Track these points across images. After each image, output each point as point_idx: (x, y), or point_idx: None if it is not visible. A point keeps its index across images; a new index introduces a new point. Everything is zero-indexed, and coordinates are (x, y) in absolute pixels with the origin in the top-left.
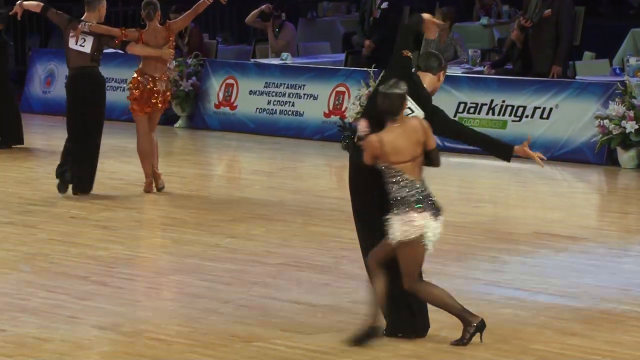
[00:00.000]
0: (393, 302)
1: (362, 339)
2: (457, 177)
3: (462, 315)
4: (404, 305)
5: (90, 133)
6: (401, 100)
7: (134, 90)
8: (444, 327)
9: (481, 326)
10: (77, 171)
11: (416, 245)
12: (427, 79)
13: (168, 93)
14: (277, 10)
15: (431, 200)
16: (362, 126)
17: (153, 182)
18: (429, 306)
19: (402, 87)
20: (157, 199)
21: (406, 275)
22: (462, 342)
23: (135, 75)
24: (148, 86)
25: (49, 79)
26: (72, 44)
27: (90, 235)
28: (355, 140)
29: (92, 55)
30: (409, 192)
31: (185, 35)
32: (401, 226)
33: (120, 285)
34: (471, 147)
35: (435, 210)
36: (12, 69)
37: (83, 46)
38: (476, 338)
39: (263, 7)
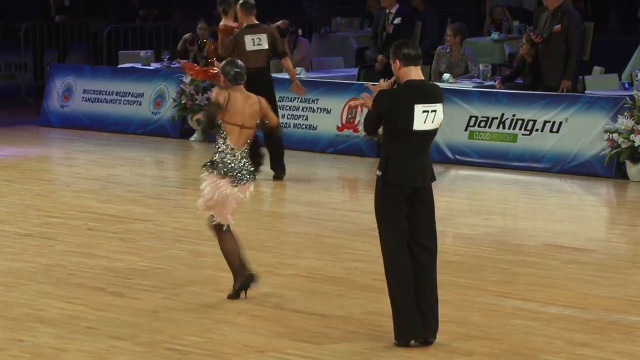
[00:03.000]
0: (405, 307)
1: (237, 293)
2: (467, 189)
3: (236, 272)
4: (415, 309)
5: None
6: (243, 70)
7: None
8: (456, 338)
9: (244, 284)
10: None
11: (221, 206)
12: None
13: None
14: (293, 26)
15: (244, 171)
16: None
17: None
18: (441, 316)
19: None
20: (173, 211)
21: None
22: (231, 296)
23: None
24: None
25: (66, 93)
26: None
27: (107, 247)
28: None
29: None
30: (227, 159)
31: (204, 49)
32: (211, 188)
33: (136, 296)
34: (482, 160)
35: (244, 179)
36: (30, 83)
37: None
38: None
39: (279, 23)
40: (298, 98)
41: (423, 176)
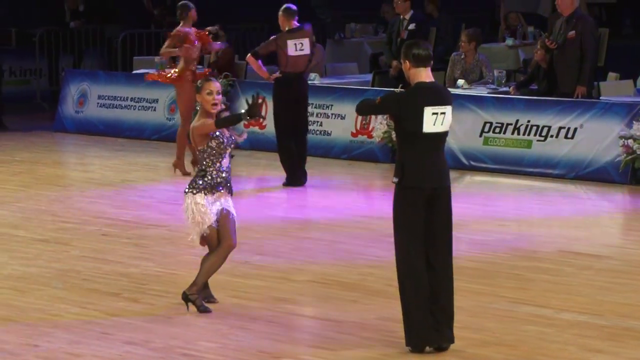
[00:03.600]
0: (419, 313)
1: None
2: (482, 195)
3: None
4: (428, 315)
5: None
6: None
7: None
8: (471, 344)
9: (184, 298)
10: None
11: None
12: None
13: None
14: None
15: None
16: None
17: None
18: (455, 322)
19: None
20: None
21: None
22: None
23: None
24: None
25: (81, 99)
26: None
27: (121, 252)
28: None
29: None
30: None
31: (218, 53)
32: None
33: (151, 301)
34: (496, 166)
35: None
36: (45, 89)
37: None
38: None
39: (211, 28)
40: (313, 104)
41: (439, 177)
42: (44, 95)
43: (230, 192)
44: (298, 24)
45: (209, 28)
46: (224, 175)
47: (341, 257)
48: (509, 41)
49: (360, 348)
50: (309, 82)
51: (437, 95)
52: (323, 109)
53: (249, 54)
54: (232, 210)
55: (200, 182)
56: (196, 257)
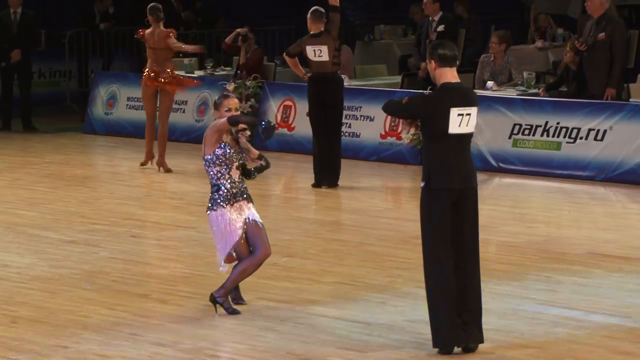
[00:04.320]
0: (447, 314)
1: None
2: (510, 197)
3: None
4: (455, 316)
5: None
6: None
7: None
8: (500, 347)
9: (212, 300)
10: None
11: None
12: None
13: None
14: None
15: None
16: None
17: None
18: (484, 324)
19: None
20: None
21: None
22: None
23: None
24: None
25: (110, 101)
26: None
27: (150, 254)
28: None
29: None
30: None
31: (247, 55)
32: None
33: (179, 303)
34: (526, 168)
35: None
36: (75, 90)
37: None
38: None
39: (240, 30)
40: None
41: (466, 178)
42: (74, 97)
43: (250, 200)
44: (323, 29)
45: (238, 30)
46: (238, 184)
47: (370, 258)
48: (539, 43)
49: (389, 350)
50: None
51: (463, 96)
52: (352, 110)
53: (284, 53)
54: (258, 218)
55: (217, 197)
56: None
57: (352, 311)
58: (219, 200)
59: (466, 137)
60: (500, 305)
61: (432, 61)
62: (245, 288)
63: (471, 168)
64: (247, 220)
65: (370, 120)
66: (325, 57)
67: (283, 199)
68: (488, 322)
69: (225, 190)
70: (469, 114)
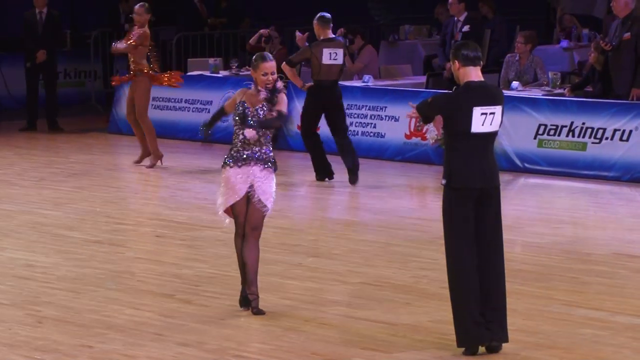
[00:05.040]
0: (470, 313)
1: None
2: (536, 198)
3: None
4: (478, 315)
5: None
6: None
7: None
8: (525, 347)
9: (243, 302)
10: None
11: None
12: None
13: None
14: (348, 34)
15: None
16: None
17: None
18: (510, 325)
19: None
20: None
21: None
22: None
23: None
24: None
25: None
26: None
27: (175, 254)
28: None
29: None
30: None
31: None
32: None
33: (204, 303)
34: (551, 169)
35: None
36: (100, 91)
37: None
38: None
39: (262, 30)
40: (366, 106)
41: (488, 177)
42: (99, 97)
43: (267, 166)
44: (333, 35)
45: (261, 31)
46: (251, 147)
47: (395, 259)
48: (564, 43)
49: (414, 351)
50: (363, 83)
51: (487, 95)
52: (377, 110)
53: (284, 62)
54: (267, 201)
55: (227, 156)
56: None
57: (377, 312)
58: (228, 160)
59: (490, 136)
60: (526, 306)
61: (456, 61)
62: (270, 288)
63: (494, 166)
64: (253, 192)
65: (395, 121)
66: (340, 60)
67: (308, 199)
68: (513, 322)
69: (235, 151)
70: (493, 113)
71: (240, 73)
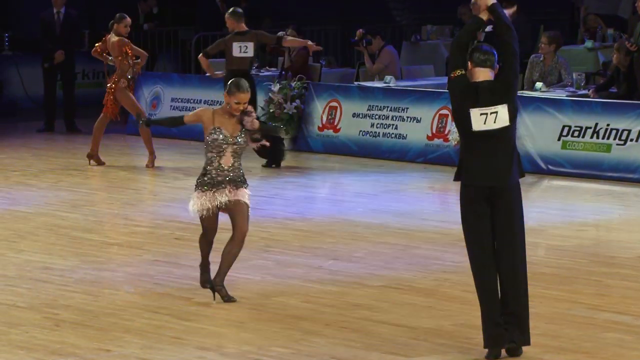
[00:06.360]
0: (488, 317)
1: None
2: (560, 200)
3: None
4: (497, 315)
5: None
6: None
7: None
8: (548, 351)
9: (211, 288)
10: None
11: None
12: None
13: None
14: (367, 35)
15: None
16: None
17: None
18: (533, 328)
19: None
20: (260, 220)
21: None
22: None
23: None
24: None
25: (154, 101)
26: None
27: (194, 256)
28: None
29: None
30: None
31: (291, 56)
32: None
33: (223, 306)
34: (575, 171)
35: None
36: None
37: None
38: None
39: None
40: (388, 107)
41: (496, 176)
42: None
43: (239, 186)
44: (246, 28)
45: (279, 33)
46: (225, 173)
47: (416, 262)
48: (589, 43)
49: (435, 355)
50: (384, 84)
51: (486, 96)
52: (398, 112)
53: (200, 54)
54: (244, 198)
55: (200, 181)
56: (268, 261)
57: (398, 315)
58: (200, 184)
59: (497, 134)
60: (549, 310)
61: (470, 62)
62: (290, 291)
63: (504, 165)
64: (230, 202)
65: (417, 122)
66: (250, 52)
67: (329, 201)
68: (537, 326)
69: (210, 178)
70: (495, 112)
71: (260, 74)
